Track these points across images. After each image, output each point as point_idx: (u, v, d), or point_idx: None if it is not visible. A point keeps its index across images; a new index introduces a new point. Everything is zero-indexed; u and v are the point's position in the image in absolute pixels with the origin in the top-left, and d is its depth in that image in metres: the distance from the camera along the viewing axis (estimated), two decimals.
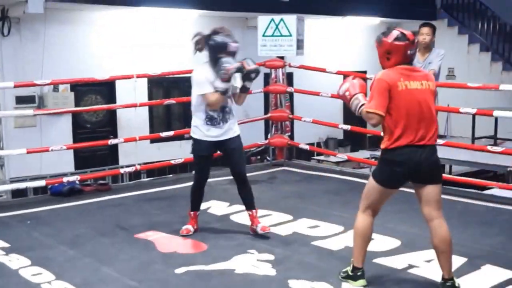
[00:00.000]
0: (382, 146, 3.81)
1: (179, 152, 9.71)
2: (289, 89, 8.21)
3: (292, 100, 9.24)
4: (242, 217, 5.58)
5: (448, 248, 3.82)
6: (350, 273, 3.98)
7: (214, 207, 5.92)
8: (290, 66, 8.15)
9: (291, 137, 8.38)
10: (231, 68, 4.64)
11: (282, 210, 5.76)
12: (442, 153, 7.65)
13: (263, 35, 8.27)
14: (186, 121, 12.24)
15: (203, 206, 5.96)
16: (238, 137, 5.01)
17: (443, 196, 6.33)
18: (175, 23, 12.16)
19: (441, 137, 10.74)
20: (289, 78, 8.80)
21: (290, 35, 8.10)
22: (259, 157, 10.65)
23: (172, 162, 7.29)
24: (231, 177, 7.22)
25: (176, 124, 12.24)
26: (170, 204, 6.15)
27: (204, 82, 4.77)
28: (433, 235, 3.87)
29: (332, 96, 8.28)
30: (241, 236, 5.09)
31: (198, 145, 4.95)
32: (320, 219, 5.48)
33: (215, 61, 4.73)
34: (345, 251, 4.68)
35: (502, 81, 13.00)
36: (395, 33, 3.73)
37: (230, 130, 4.92)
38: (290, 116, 8.11)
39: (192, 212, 5.16)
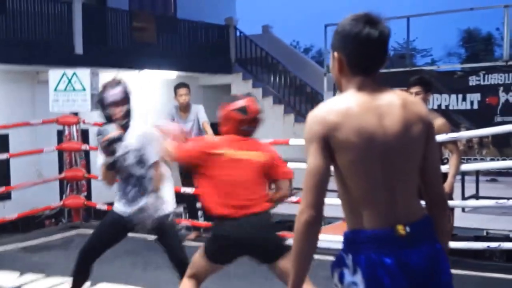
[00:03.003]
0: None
1: None
2: (85, 146, 7.80)
3: (89, 158, 8.81)
4: (35, 287, 5.09)
5: None
6: None
7: (2, 279, 5.33)
8: (84, 122, 7.77)
9: (88, 197, 7.93)
10: (102, 142, 3.83)
11: None
12: None
13: (55, 90, 7.83)
14: None
15: None
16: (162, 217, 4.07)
17: None
18: None
19: None
20: (85, 134, 8.40)
21: (84, 90, 7.75)
22: (53, 220, 9.98)
23: None
24: (23, 244, 6.74)
25: None
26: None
27: (99, 153, 4.02)
28: None
29: None
30: None
31: (110, 214, 4.23)
32: (122, 281, 5.16)
33: (108, 122, 3.98)
34: None
35: (295, 132, 13.64)
36: (238, 103, 3.51)
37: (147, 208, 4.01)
38: (86, 175, 7.69)
39: None
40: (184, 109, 6.86)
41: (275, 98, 14.92)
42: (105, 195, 11.35)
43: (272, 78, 15.30)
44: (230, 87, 15.19)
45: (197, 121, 6.83)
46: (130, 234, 4.16)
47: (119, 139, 3.85)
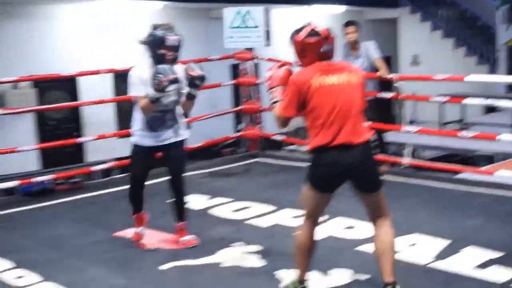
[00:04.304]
0: (307, 148, 3.55)
1: None
2: (260, 81, 8.17)
3: (259, 91, 9.21)
4: (223, 210, 5.59)
5: (389, 250, 3.54)
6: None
7: (194, 201, 5.85)
8: (258, 58, 8.11)
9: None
10: (164, 80, 4.14)
11: (262, 201, 5.74)
12: (413, 139, 7.85)
13: (230, 27, 8.19)
14: None
15: None
16: (180, 144, 4.58)
17: (418, 180, 6.48)
18: (139, 16, 12.00)
19: (411, 122, 10.92)
20: (255, 68, 8.77)
21: (257, 27, 8.04)
22: (230, 149, 10.60)
23: None
24: (208, 170, 7.33)
25: None
26: (148, 199, 6.00)
27: (136, 83, 4.36)
28: (375, 238, 3.59)
29: None
30: (224, 229, 5.06)
31: (134, 148, 4.58)
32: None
33: (156, 59, 4.31)
34: (329, 240, 4.70)
35: (466, 67, 13.22)
36: (306, 29, 3.48)
37: (171, 136, 4.53)
38: (262, 108, 8.07)
39: (135, 215, 4.74)
40: (353, 46, 6.87)
41: (444, 32, 14.46)
42: (275, 126, 11.89)
43: (441, 12, 14.79)
44: (397, 21, 14.92)
45: (368, 58, 6.85)
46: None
47: (177, 81, 4.23)
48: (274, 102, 3.50)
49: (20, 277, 4.16)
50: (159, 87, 4.16)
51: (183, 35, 4.41)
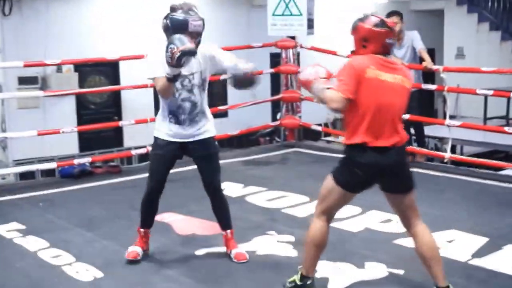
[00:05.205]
0: (343, 141, 3.44)
1: None
2: (301, 69, 8.09)
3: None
4: (258, 198, 5.57)
5: (436, 254, 3.45)
6: (298, 283, 3.55)
7: (229, 188, 5.84)
8: (301, 47, 8.02)
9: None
10: (176, 51, 3.59)
11: (297, 191, 5.70)
12: (455, 133, 7.66)
13: (273, 14, 8.12)
14: None
15: None
16: (210, 140, 4.08)
17: (459, 176, 6.36)
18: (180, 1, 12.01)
19: (451, 117, 10.68)
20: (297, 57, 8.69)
21: (301, 15, 7.96)
22: (268, 138, 10.57)
23: None
24: (244, 158, 7.31)
25: None
26: (183, 185, 6.04)
27: (156, 64, 3.86)
28: (417, 244, 3.48)
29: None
30: (259, 217, 5.04)
31: (156, 143, 4.06)
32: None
33: None
34: (365, 232, 4.67)
35: None
36: (373, 19, 3.41)
37: (199, 132, 4.02)
38: (302, 97, 7.98)
39: (142, 229, 4.19)
40: (397, 36, 6.77)
41: (492, 24, 14.10)
42: (314, 117, 11.83)
43: (489, 3, 14.43)
44: (443, 13, 14.62)
45: (411, 48, 6.74)
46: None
47: (193, 52, 3.70)
48: (324, 88, 3.32)
49: (54, 256, 4.22)
50: (173, 60, 3.61)
51: (204, 19, 3.93)
